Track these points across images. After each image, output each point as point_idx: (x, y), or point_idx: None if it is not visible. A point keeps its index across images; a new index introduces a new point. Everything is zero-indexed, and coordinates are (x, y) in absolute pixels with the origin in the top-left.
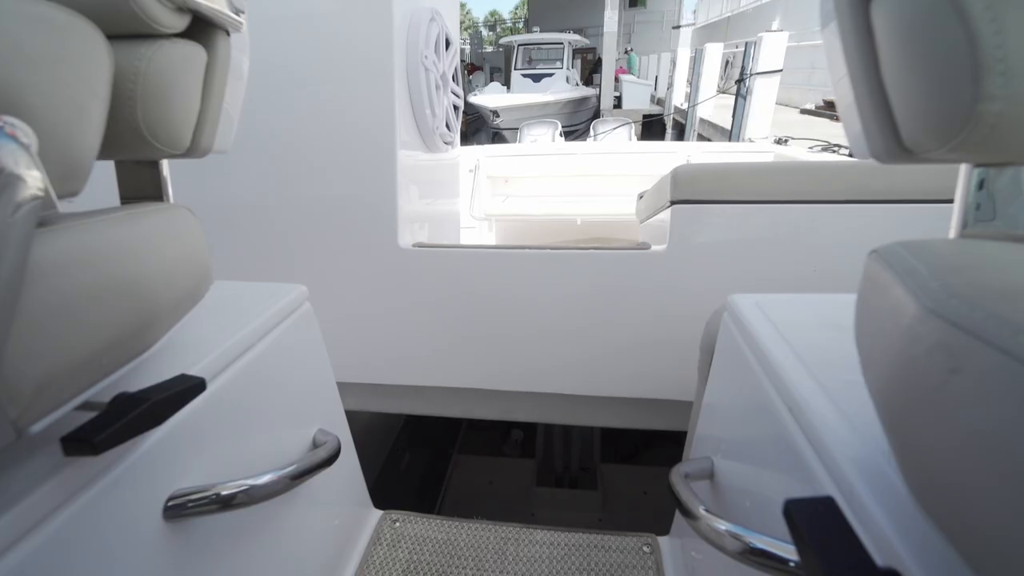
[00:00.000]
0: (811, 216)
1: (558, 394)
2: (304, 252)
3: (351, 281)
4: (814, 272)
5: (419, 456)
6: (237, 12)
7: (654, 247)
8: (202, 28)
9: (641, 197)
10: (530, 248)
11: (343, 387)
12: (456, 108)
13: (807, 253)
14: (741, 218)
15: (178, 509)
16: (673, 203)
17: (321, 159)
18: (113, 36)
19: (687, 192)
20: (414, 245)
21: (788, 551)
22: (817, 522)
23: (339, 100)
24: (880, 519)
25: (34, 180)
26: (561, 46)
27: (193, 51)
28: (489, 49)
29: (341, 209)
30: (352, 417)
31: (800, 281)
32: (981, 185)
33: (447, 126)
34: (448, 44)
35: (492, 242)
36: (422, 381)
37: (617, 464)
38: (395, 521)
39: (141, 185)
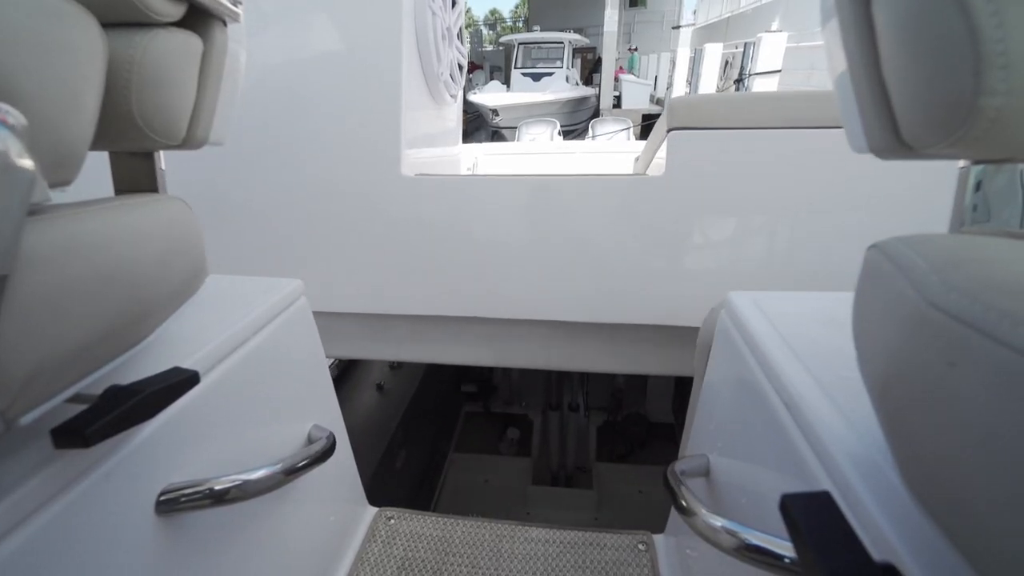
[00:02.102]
0: (805, 141)
1: (559, 322)
2: (309, 195)
3: (355, 211)
4: (809, 197)
5: (415, 454)
6: (235, 2)
7: (653, 174)
8: (199, 17)
9: (637, 160)
10: (531, 175)
11: (345, 318)
12: (460, 67)
13: (801, 177)
14: (737, 143)
15: (170, 504)
16: (670, 130)
17: (326, 101)
18: (108, 24)
19: (683, 119)
20: (416, 175)
21: (784, 547)
22: (814, 517)
23: (346, 40)
24: (876, 514)
25: (25, 167)
26: (561, 45)
27: (189, 41)
28: (489, 47)
29: (345, 140)
30: (348, 414)
31: (796, 205)
32: (978, 187)
33: (451, 78)
34: (454, 2)
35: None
36: (423, 310)
37: (612, 463)
38: (390, 518)
39: (136, 177)
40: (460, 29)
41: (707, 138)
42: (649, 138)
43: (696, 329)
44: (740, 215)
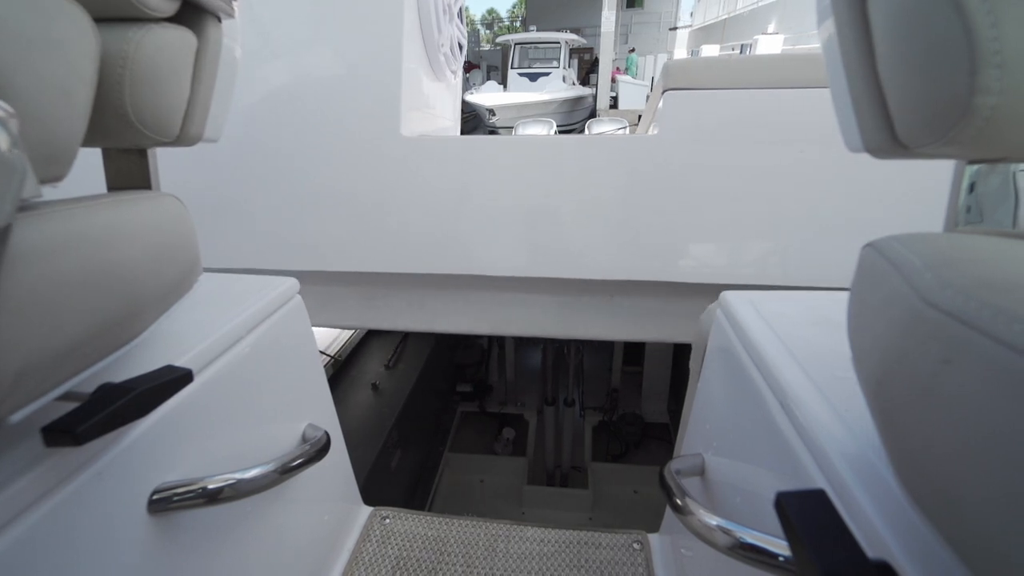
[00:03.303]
0: (794, 100)
1: (558, 280)
2: (310, 157)
3: (356, 172)
4: (801, 152)
5: (410, 453)
6: None
7: (648, 132)
8: (193, 13)
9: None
10: (528, 135)
11: (345, 286)
12: (461, 47)
13: (792, 134)
14: (728, 101)
15: (163, 503)
16: (665, 91)
17: (327, 62)
18: (101, 19)
19: (678, 80)
20: (417, 135)
21: (778, 546)
22: (808, 514)
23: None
24: (871, 512)
25: (15, 162)
26: (558, 45)
27: (183, 36)
28: (486, 47)
29: (346, 103)
30: (343, 413)
31: (786, 160)
32: (972, 188)
33: (451, 52)
34: None
35: None
36: (422, 268)
37: (607, 463)
38: (385, 518)
39: (129, 173)
40: (460, 10)
41: (700, 98)
42: (648, 101)
43: (691, 285)
44: (731, 170)
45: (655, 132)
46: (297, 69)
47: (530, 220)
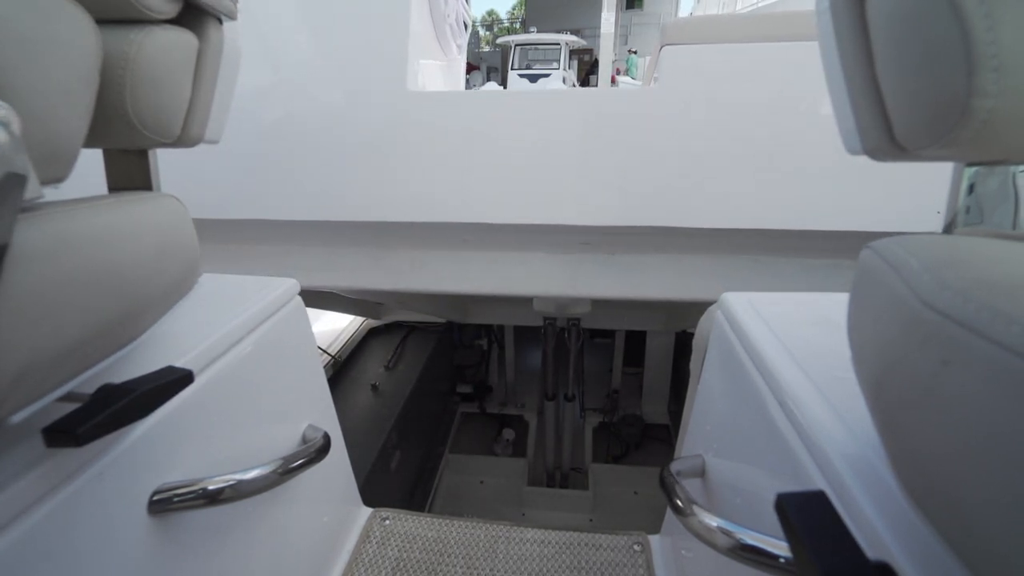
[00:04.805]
0: (789, 53)
1: (559, 226)
2: (317, 100)
3: (361, 125)
4: (799, 112)
5: (410, 454)
6: None
7: (648, 86)
8: (194, 14)
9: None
10: (530, 92)
11: (348, 229)
12: (465, 25)
13: (786, 86)
14: (722, 56)
15: (163, 504)
16: (663, 46)
17: (334, 13)
18: (103, 20)
19: (676, 37)
20: (422, 91)
21: (779, 547)
22: (809, 516)
23: None
24: (871, 513)
25: (16, 163)
26: (558, 47)
27: (184, 38)
28: (486, 48)
29: (351, 57)
30: (343, 414)
31: (785, 113)
32: (971, 190)
33: (456, 25)
34: None
35: None
36: (426, 217)
37: (608, 464)
38: (385, 519)
39: (130, 174)
40: None
41: (697, 52)
42: (650, 58)
43: (690, 233)
44: (729, 118)
45: (656, 85)
46: (304, 22)
47: (533, 170)
